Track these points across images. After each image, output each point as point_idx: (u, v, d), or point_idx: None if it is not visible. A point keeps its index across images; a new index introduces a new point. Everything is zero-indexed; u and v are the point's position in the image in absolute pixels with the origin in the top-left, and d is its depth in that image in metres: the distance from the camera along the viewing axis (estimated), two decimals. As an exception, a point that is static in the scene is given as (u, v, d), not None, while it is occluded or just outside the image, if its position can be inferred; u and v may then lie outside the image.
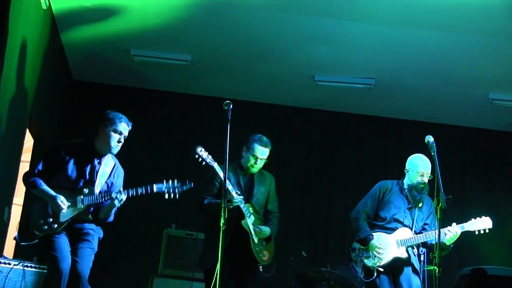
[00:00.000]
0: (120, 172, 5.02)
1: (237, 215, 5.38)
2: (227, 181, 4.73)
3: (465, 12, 6.03)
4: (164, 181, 4.85)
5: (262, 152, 5.56)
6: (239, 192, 5.33)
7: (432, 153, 4.85)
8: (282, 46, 7.11)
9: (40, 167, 4.78)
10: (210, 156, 5.29)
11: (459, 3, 5.89)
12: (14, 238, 4.78)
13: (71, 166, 4.79)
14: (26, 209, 4.80)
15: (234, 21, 6.63)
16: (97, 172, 4.85)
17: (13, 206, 6.17)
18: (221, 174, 5.27)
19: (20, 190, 6.63)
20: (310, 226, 8.41)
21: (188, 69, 7.71)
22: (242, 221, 5.41)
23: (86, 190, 4.75)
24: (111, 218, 4.92)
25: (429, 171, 5.50)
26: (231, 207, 5.15)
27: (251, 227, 5.44)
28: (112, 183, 4.93)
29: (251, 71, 7.83)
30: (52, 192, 4.67)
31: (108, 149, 4.87)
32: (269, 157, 5.62)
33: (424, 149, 5.13)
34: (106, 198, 4.74)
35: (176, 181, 4.87)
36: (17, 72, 5.61)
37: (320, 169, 8.70)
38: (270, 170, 5.79)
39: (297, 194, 7.99)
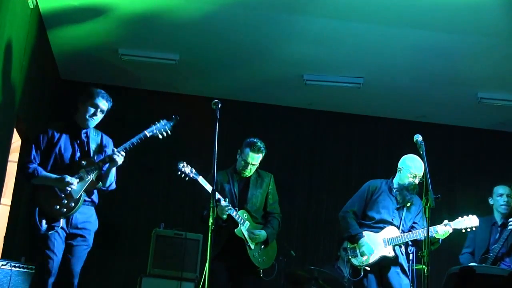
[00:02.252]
0: (109, 140, 5.05)
1: (231, 223, 5.41)
2: (215, 189, 4.72)
3: (455, 11, 6.06)
4: (152, 124, 4.96)
5: (252, 158, 5.56)
6: (227, 202, 5.32)
7: (421, 152, 4.88)
8: (270, 45, 7.12)
9: (33, 152, 4.76)
10: (193, 170, 5.32)
11: (449, 2, 5.92)
12: (39, 232, 4.60)
13: (62, 145, 4.80)
14: (33, 202, 4.69)
15: (223, 20, 6.63)
16: (87, 144, 4.88)
17: (0, 206, 6.15)
18: (206, 187, 5.30)
19: (7, 190, 6.61)
20: (299, 225, 8.44)
21: (176, 68, 7.71)
22: (235, 230, 5.42)
23: (84, 162, 4.76)
24: (114, 184, 4.95)
25: (422, 174, 5.50)
26: (224, 220, 5.15)
27: (245, 233, 5.45)
28: (105, 152, 4.94)
29: (240, 71, 7.84)
30: (55, 176, 4.66)
31: (84, 122, 4.87)
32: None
33: (413, 148, 5.15)
34: (106, 160, 4.77)
35: (162, 120, 5.00)
36: (4, 72, 5.58)
37: (309, 168, 8.73)
38: (258, 168, 5.79)
39: (286, 194, 7.90)
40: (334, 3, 6.14)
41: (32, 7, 6.15)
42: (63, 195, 4.64)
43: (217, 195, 5.12)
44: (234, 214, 5.40)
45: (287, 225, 7.70)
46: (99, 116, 4.89)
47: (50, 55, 7.55)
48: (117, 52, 7.41)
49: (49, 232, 4.58)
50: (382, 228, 5.60)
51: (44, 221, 4.58)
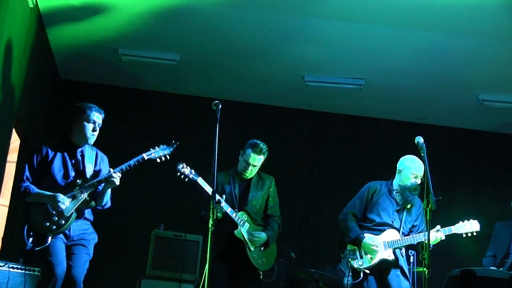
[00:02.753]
0: (104, 158, 5.07)
1: (230, 225, 5.41)
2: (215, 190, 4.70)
3: (456, 13, 6.04)
4: (151, 148, 4.97)
5: (254, 159, 5.56)
6: (222, 200, 5.30)
7: (422, 154, 4.85)
8: (271, 46, 7.10)
9: (27, 173, 4.77)
10: (193, 171, 5.32)
11: (450, 4, 5.90)
12: (26, 247, 4.66)
13: (57, 164, 4.80)
14: (25, 217, 4.73)
15: (223, 21, 6.61)
16: (82, 163, 4.88)
17: (-1, 207, 6.13)
18: (206, 188, 5.30)
19: (6, 191, 6.59)
20: (300, 227, 8.42)
21: (176, 69, 7.69)
22: (235, 231, 5.43)
23: (79, 181, 4.77)
24: (109, 203, 4.97)
25: (422, 174, 5.49)
26: (219, 219, 5.14)
27: (245, 235, 5.46)
28: (100, 170, 4.96)
29: (240, 71, 7.82)
30: (48, 193, 4.68)
31: (85, 140, 4.88)
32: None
33: (414, 150, 5.13)
34: (101, 180, 4.78)
35: (161, 145, 5.01)
36: (3, 71, 5.56)
37: (310, 169, 8.72)
38: (259, 170, 5.79)
39: (286, 195, 7.95)
40: (335, 4, 6.12)
41: (32, 6, 6.13)
42: (54, 212, 4.65)
43: (217, 197, 5.09)
44: (234, 215, 5.41)
45: (288, 227, 7.71)
46: (98, 130, 4.91)
47: (50, 54, 7.53)
48: (117, 52, 7.39)
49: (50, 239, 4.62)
50: (382, 231, 5.58)
51: (31, 239, 4.60)
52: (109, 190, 4.90)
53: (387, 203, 5.66)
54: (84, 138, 4.86)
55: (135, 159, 4.88)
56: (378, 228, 5.61)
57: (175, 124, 8.57)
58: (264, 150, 5.59)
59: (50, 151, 4.82)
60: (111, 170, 4.79)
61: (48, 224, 4.63)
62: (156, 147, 4.99)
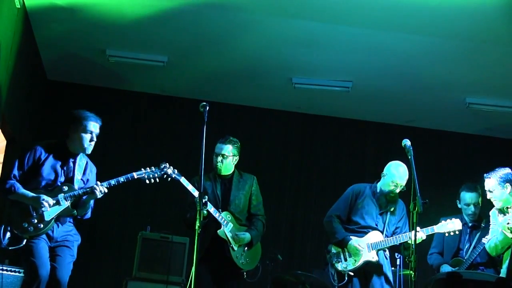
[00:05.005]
0: (93, 168, 5.08)
1: (213, 225, 5.43)
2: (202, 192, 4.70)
3: (444, 16, 6.07)
4: (142, 168, 5.04)
5: (219, 148, 5.60)
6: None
7: (409, 157, 4.87)
8: (259, 48, 7.11)
9: (15, 171, 4.75)
10: (176, 171, 5.32)
11: (438, 7, 5.93)
12: (1, 245, 4.68)
13: (47, 167, 4.80)
14: (5, 215, 4.75)
15: (211, 22, 6.61)
16: (73, 171, 4.88)
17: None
18: (189, 187, 5.35)
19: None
20: (286, 229, 8.42)
21: (164, 70, 7.69)
22: (218, 231, 5.45)
23: (65, 188, 4.78)
24: (89, 214, 4.97)
25: (404, 183, 5.58)
26: (204, 217, 5.15)
27: (228, 235, 5.48)
28: (87, 180, 4.98)
29: (228, 73, 7.82)
30: (32, 194, 4.66)
31: (82, 150, 4.91)
32: (243, 158, 5.66)
33: (402, 153, 5.14)
34: (87, 191, 4.77)
35: (153, 167, 5.09)
36: (-10, 71, 5.55)
37: (297, 172, 8.73)
38: (241, 170, 5.82)
39: (273, 197, 7.99)
40: (323, 6, 6.14)
41: (19, 6, 6.11)
42: (35, 214, 4.64)
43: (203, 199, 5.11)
44: (217, 215, 5.44)
45: (274, 229, 7.73)
46: (95, 139, 4.92)
47: (37, 55, 7.50)
48: (104, 53, 7.37)
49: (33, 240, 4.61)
50: (366, 233, 5.62)
51: (8, 235, 4.59)
52: (91, 202, 4.91)
53: (371, 205, 5.71)
54: (81, 148, 4.89)
55: (124, 177, 4.91)
56: (362, 230, 5.65)
57: (162, 126, 8.57)
58: (231, 139, 5.65)
59: (43, 153, 4.81)
60: (98, 183, 4.80)
61: (26, 225, 4.61)
62: (148, 168, 5.06)
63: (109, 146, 7.81)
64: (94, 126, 4.88)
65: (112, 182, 4.83)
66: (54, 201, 4.68)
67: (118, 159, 8.01)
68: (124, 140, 8.38)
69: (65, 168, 4.85)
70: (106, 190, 4.79)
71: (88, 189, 4.78)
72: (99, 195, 4.76)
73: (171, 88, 8.44)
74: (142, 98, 8.60)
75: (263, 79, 7.88)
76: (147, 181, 5.03)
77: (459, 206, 6.10)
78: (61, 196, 4.71)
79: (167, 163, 5.27)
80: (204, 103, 4.72)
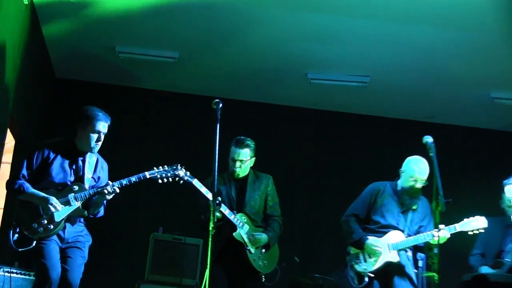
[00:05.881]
0: (104, 165, 5.09)
1: (228, 227, 5.42)
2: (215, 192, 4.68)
3: (466, 8, 6.02)
4: (155, 167, 5.04)
5: (236, 153, 5.58)
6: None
7: (431, 154, 4.82)
8: (273, 43, 7.08)
9: (24, 170, 4.76)
10: (188, 173, 5.30)
11: (459, -1, 5.89)
12: (10, 245, 4.69)
13: (56, 166, 4.80)
14: (15, 215, 4.76)
15: (223, 17, 6.61)
16: (82, 169, 4.88)
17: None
18: (202, 190, 5.34)
19: (0, 193, 6.57)
20: (303, 229, 8.38)
21: (175, 66, 7.69)
22: (234, 233, 5.44)
23: (76, 187, 4.79)
24: (102, 211, 4.99)
25: (425, 178, 5.48)
26: (218, 219, 5.14)
27: (244, 237, 5.47)
28: (98, 177, 4.98)
29: (241, 69, 7.81)
30: (42, 194, 4.67)
31: (89, 149, 4.91)
32: (258, 157, 5.64)
33: (422, 150, 5.10)
34: (98, 191, 4.79)
35: (166, 166, 5.09)
36: (-3, 70, 5.57)
37: (314, 170, 8.70)
38: (256, 170, 5.80)
39: (288, 196, 7.85)
40: (340, -1, 6.12)
41: (27, 3, 6.13)
42: (45, 214, 4.65)
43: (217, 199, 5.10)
44: (232, 217, 5.43)
45: (290, 229, 7.65)
46: (102, 138, 4.92)
47: (45, 53, 7.53)
48: (114, 50, 7.38)
49: (43, 241, 4.62)
50: (386, 233, 5.57)
51: (16, 237, 4.62)
52: (104, 202, 4.92)
53: (392, 204, 5.66)
54: (88, 147, 4.89)
55: (136, 176, 4.92)
56: (382, 230, 5.60)
57: (173, 124, 8.57)
58: (247, 142, 5.62)
59: (51, 152, 4.82)
60: (110, 182, 4.81)
61: (36, 225, 4.62)
62: (160, 167, 5.06)
63: (118, 145, 7.80)
64: (103, 127, 4.87)
65: (124, 181, 4.83)
66: (64, 203, 4.68)
67: (127, 158, 7.99)
68: (134, 138, 8.39)
69: (74, 167, 4.86)
70: (117, 190, 4.79)
71: (99, 189, 4.79)
72: (110, 196, 4.78)
73: (182, 85, 8.44)
74: (152, 95, 8.61)
75: (277, 75, 7.87)
76: (160, 181, 5.04)
77: (502, 206, 6.00)
78: (71, 196, 4.72)
79: (179, 165, 5.25)
80: (217, 100, 4.70)
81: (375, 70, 7.53)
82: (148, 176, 4.97)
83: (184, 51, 7.41)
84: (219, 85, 8.27)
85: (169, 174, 5.07)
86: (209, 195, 5.27)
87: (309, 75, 7.71)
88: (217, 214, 5.11)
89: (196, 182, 5.33)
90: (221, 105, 4.68)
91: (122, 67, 7.91)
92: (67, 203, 4.70)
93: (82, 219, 4.90)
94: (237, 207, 5.57)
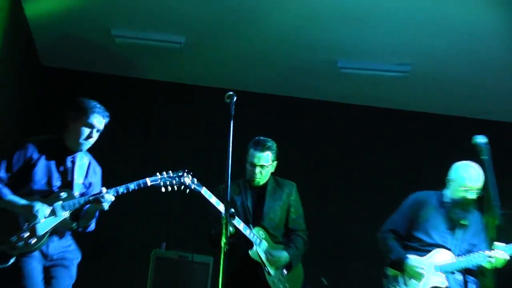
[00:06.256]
0: (97, 169, 5.07)
1: (243, 243, 5.41)
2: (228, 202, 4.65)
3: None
4: (157, 173, 5.01)
5: (256, 157, 5.59)
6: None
7: (484, 158, 4.78)
8: (297, 25, 7.08)
9: (2, 173, 4.72)
10: (195, 180, 5.29)
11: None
12: None
13: (40, 168, 4.76)
14: None
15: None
16: (72, 173, 4.85)
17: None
18: (212, 199, 5.32)
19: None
20: (332, 245, 8.35)
21: (181, 53, 7.70)
22: (250, 251, 5.43)
23: (63, 194, 4.74)
24: (93, 225, 4.96)
25: (479, 186, 5.40)
26: (231, 234, 5.11)
27: (262, 256, 5.47)
28: (90, 184, 4.97)
29: (259, 56, 7.81)
30: (23, 201, 4.62)
31: (76, 146, 4.86)
32: (279, 162, 5.63)
33: (472, 153, 5.06)
34: (90, 200, 4.75)
35: (171, 172, 5.05)
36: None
37: (343, 174, 8.71)
38: (282, 176, 5.79)
39: (314, 206, 7.84)
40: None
41: (6, -21, 6.15)
42: (26, 226, 4.59)
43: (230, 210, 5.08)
44: (248, 232, 5.43)
45: (316, 246, 7.62)
46: (95, 137, 4.88)
47: (29, 37, 7.57)
48: (109, 33, 7.40)
49: (23, 258, 4.57)
50: (431, 252, 5.53)
51: None
52: (96, 213, 4.88)
53: (438, 218, 5.61)
54: (75, 144, 4.85)
55: (136, 183, 4.87)
56: (426, 248, 5.56)
57: (179, 122, 8.58)
58: (268, 144, 5.63)
59: (36, 152, 4.79)
60: (104, 189, 4.75)
61: (15, 239, 4.56)
62: (164, 173, 5.02)
63: (115, 146, 7.82)
64: (98, 121, 4.84)
65: (121, 189, 4.79)
66: (49, 211, 4.64)
67: (125, 162, 8.03)
68: (134, 139, 8.41)
69: (62, 169, 4.83)
70: (113, 199, 4.75)
71: (91, 198, 4.75)
72: (105, 207, 4.73)
73: (189, 75, 8.46)
74: (155, 87, 8.63)
75: (301, 63, 7.86)
76: (163, 189, 4.99)
77: None
78: (58, 205, 4.68)
79: (185, 171, 5.24)
80: (231, 92, 4.63)
81: (418, 57, 7.49)
82: (149, 184, 4.93)
83: (192, 35, 7.41)
84: (233, 75, 8.27)
85: (174, 182, 5.02)
86: (221, 206, 5.28)
87: (339, 63, 7.72)
88: (230, 228, 5.12)
89: (205, 191, 5.32)
90: (235, 98, 4.61)
91: (119, 54, 7.94)
92: (52, 213, 4.66)
93: (70, 232, 4.88)
94: (253, 220, 5.57)
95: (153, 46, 7.55)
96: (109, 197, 4.72)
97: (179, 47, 7.52)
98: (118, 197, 4.81)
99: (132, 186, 4.84)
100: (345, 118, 8.85)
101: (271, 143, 5.65)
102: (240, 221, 5.39)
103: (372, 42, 7.28)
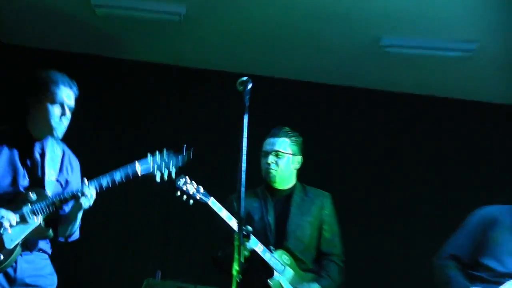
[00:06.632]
0: (74, 161, 5.08)
1: (262, 270, 5.43)
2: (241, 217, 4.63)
3: None
4: (149, 154, 4.93)
5: (270, 144, 5.65)
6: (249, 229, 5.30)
7: None
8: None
9: None
10: (201, 188, 5.33)
11: None
12: None
13: (1, 165, 4.76)
14: None
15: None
16: (42, 167, 4.85)
17: None
18: (222, 213, 5.33)
19: None
20: (374, 274, 8.36)
21: (181, 27, 7.74)
22: (271, 281, 5.43)
23: (33, 196, 4.71)
24: (77, 233, 4.98)
25: None
26: (246, 251, 5.13)
27: (286, 287, 5.46)
28: (66, 181, 4.97)
29: (279, 32, 7.82)
30: None
31: (49, 131, 4.83)
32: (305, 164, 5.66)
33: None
34: (67, 199, 4.71)
35: (166, 152, 4.96)
36: None
37: (391, 183, 8.73)
38: (311, 184, 5.82)
39: (352, 223, 7.90)
40: None
41: None
42: None
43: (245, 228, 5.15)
44: (268, 256, 5.43)
45: (354, 274, 7.64)
46: (69, 115, 4.86)
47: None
48: (88, 3, 7.41)
49: None
50: (504, 284, 5.51)
51: None
52: (79, 215, 4.85)
53: (513, 241, 5.60)
54: (47, 128, 4.81)
55: (123, 171, 4.82)
56: (497, 280, 5.53)
57: (177, 113, 8.61)
58: (287, 130, 5.70)
59: None
60: (85, 181, 4.72)
61: None
62: (157, 154, 4.95)
63: (97, 139, 7.88)
64: (67, 96, 4.83)
65: (104, 181, 4.74)
66: (18, 218, 4.61)
67: (112, 157, 8.01)
68: (121, 135, 8.42)
69: (29, 163, 4.83)
70: (94, 195, 4.70)
71: (68, 195, 4.72)
72: (85, 204, 4.69)
73: (190, 56, 8.49)
74: (147, 70, 8.67)
75: (332, 40, 7.86)
76: (158, 178, 4.92)
77: None
78: (27, 209, 4.65)
79: (187, 177, 5.29)
80: (245, 78, 4.65)
81: (486, 32, 7.46)
82: (139, 171, 4.85)
83: (194, 5, 7.43)
84: (248, 56, 8.31)
85: (172, 164, 4.93)
86: (233, 222, 5.29)
87: (383, 40, 7.71)
88: (245, 253, 5.13)
89: (213, 202, 5.35)
90: (250, 85, 4.63)
91: (101, 29, 7.97)
92: (22, 219, 4.63)
93: (45, 247, 4.88)
94: (276, 240, 5.57)
95: (144, 18, 7.55)
96: (89, 191, 4.67)
97: (178, 20, 7.52)
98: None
99: (117, 175, 4.77)
100: (391, 110, 8.90)
101: (291, 131, 5.70)
102: (258, 241, 5.38)
103: (425, 14, 7.25)
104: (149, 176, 4.92)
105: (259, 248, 5.38)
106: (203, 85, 8.64)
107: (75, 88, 4.90)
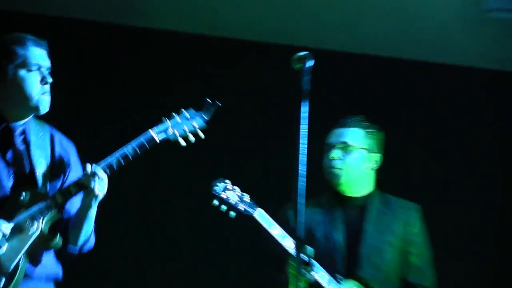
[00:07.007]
0: (66, 143, 5.05)
1: None
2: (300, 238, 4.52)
3: None
4: (164, 119, 4.89)
5: (336, 135, 5.63)
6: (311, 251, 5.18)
7: None
8: None
9: None
10: (245, 196, 5.28)
11: None
12: None
13: None
14: None
15: None
16: (28, 157, 4.81)
17: None
18: (273, 230, 5.29)
19: None
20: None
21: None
22: None
23: (25, 197, 4.67)
24: (92, 239, 4.96)
25: None
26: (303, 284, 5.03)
27: None
28: (63, 170, 4.94)
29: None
30: None
31: (30, 108, 4.78)
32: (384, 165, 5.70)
33: None
34: (70, 191, 4.67)
35: (186, 110, 4.93)
36: None
37: (502, 188, 8.71)
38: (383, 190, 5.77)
39: (445, 243, 7.87)
40: None
41: None
42: None
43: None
44: None
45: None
46: (50, 80, 4.75)
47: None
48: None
49: None
50: None
51: None
52: (92, 212, 4.77)
53: None
54: (26, 103, 4.76)
55: (136, 142, 4.73)
56: None
57: (213, 95, 8.50)
58: (361, 120, 5.69)
59: None
60: (89, 166, 4.63)
61: None
62: (175, 115, 4.88)
63: (89, 120, 7.96)
64: (40, 57, 4.75)
65: (114, 160, 4.65)
66: (13, 230, 4.57)
67: (113, 146, 8.04)
68: (136, 125, 8.38)
69: (10, 157, 4.80)
70: (105, 178, 4.62)
71: (71, 184, 4.67)
72: (99, 191, 4.60)
73: (224, 22, 8.46)
74: (170, 41, 8.66)
75: (422, 5, 7.86)
76: (182, 141, 4.84)
77: None
78: (22, 215, 4.62)
79: (226, 180, 5.27)
80: (303, 53, 4.55)
81: None
82: (157, 139, 4.75)
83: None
84: (304, 25, 8.25)
85: (196, 123, 4.84)
86: (287, 242, 5.21)
87: (485, 3, 7.59)
88: (302, 284, 4.99)
89: (260, 215, 5.30)
90: (312, 62, 4.53)
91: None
92: (17, 230, 4.59)
93: (53, 270, 4.84)
94: (346, 267, 5.50)
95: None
96: (101, 174, 4.60)
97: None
98: (114, 171, 4.68)
99: (129, 149, 4.70)
100: (493, 93, 8.82)
101: (365, 123, 5.68)
102: (321, 268, 5.28)
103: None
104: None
105: (322, 277, 5.28)
106: (247, 61, 8.58)
107: (45, 47, 4.83)
